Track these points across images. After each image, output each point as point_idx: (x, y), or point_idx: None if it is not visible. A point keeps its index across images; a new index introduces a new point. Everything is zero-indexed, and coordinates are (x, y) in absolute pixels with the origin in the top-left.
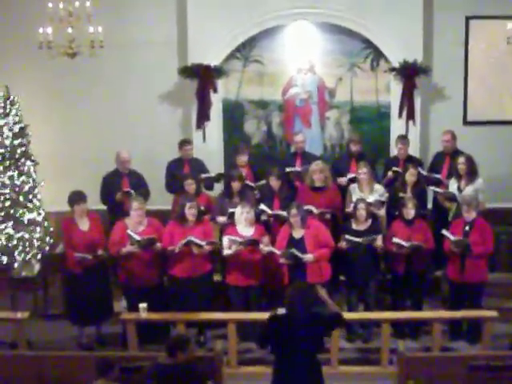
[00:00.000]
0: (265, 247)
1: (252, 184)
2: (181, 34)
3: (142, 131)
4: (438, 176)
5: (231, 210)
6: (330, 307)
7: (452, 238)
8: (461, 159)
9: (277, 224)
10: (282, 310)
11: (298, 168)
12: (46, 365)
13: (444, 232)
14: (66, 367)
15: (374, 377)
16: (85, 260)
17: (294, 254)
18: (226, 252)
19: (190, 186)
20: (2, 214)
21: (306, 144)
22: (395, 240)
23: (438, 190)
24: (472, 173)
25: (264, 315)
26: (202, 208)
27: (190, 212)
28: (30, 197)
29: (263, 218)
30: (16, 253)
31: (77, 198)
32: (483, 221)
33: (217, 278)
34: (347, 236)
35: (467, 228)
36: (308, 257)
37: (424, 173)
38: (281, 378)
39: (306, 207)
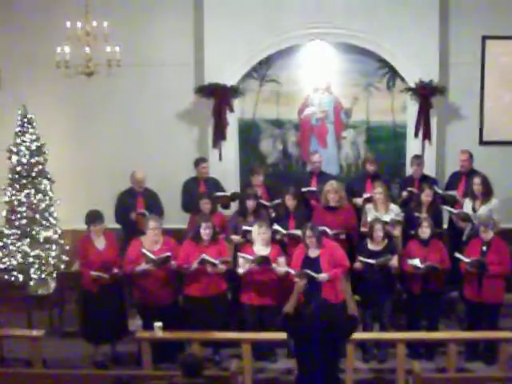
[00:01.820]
0: (280, 267)
1: (267, 203)
2: (197, 54)
3: (158, 150)
4: (453, 192)
5: (245, 228)
6: (349, 305)
7: (466, 259)
8: (476, 180)
9: (292, 243)
10: None
11: (313, 188)
12: (61, 383)
13: (457, 255)
14: None
15: None
16: (101, 279)
17: (309, 274)
18: (240, 270)
19: (205, 205)
20: (19, 231)
21: (322, 164)
22: (410, 262)
23: (452, 210)
24: (487, 193)
25: (279, 335)
26: (218, 228)
27: (205, 232)
28: (47, 215)
29: (277, 237)
30: (32, 271)
31: (94, 218)
32: (500, 241)
33: (229, 296)
34: (361, 257)
35: (484, 248)
36: (322, 276)
37: (440, 191)
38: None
39: (320, 228)
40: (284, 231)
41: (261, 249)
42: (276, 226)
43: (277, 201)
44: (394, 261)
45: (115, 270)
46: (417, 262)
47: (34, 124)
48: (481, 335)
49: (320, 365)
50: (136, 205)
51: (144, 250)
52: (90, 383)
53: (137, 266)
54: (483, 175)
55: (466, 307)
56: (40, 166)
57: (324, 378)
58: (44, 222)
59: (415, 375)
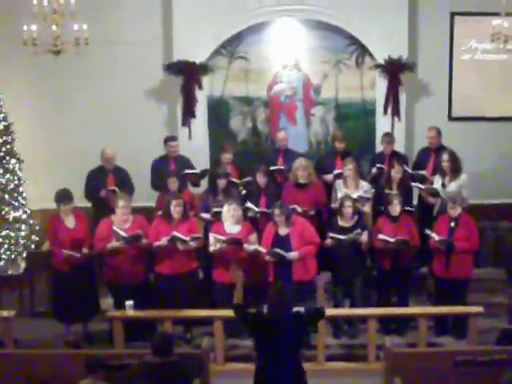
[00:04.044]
0: (250, 245)
1: (237, 181)
2: (166, 31)
3: (127, 128)
4: (423, 172)
5: (215, 207)
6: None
7: (436, 237)
8: (444, 156)
9: (264, 220)
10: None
11: (280, 166)
12: (34, 363)
13: (427, 231)
14: (53, 365)
15: (361, 373)
16: (72, 257)
17: (279, 253)
18: (212, 249)
19: (173, 183)
20: None
21: (288, 141)
22: (381, 236)
23: (420, 186)
24: (456, 169)
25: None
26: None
27: (176, 209)
28: (15, 195)
29: (249, 214)
30: (1, 251)
31: (63, 196)
32: (468, 217)
33: (200, 274)
34: (331, 233)
35: (452, 224)
36: (293, 254)
37: (409, 170)
38: (264, 376)
39: (290, 206)
40: (256, 209)
41: (231, 227)
42: (248, 204)
43: (247, 178)
44: (364, 236)
45: (85, 250)
46: (387, 236)
47: (1, 103)
48: (450, 310)
49: (284, 354)
50: (106, 182)
51: (115, 228)
52: (62, 363)
53: (107, 244)
54: (451, 151)
55: (435, 283)
56: (8, 146)
57: (289, 367)
58: (13, 202)
59: (386, 350)
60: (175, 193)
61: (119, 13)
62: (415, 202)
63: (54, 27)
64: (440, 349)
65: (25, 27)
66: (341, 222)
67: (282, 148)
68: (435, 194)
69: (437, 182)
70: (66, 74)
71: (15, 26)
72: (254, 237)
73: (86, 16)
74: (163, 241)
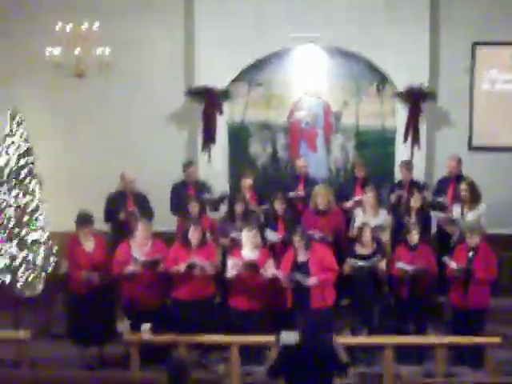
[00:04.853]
0: (269, 271)
1: (254, 207)
2: (188, 56)
3: (147, 152)
4: (442, 199)
5: (233, 233)
6: (341, 356)
7: (453, 265)
8: (463, 185)
9: (282, 247)
10: (286, 336)
11: (300, 192)
12: None
13: (445, 259)
14: None
15: None
16: (90, 280)
17: (298, 278)
18: (229, 274)
19: (194, 208)
20: (6, 233)
21: (308, 168)
22: (399, 265)
23: (439, 214)
24: (475, 198)
25: (266, 338)
26: (207, 231)
27: (194, 235)
28: (34, 216)
29: (269, 242)
30: (19, 272)
31: (84, 219)
32: (487, 246)
33: (217, 300)
34: (351, 259)
35: (471, 253)
36: (311, 281)
37: (429, 198)
38: None
39: (309, 232)
40: (277, 239)
41: (249, 253)
42: (269, 234)
43: (265, 205)
44: (383, 264)
45: (104, 273)
46: (405, 265)
47: (23, 125)
48: (468, 340)
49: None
50: (126, 206)
51: (133, 253)
52: None
53: (125, 268)
54: (470, 180)
55: (452, 312)
56: (28, 168)
57: None
58: (32, 224)
59: (402, 380)
60: (195, 219)
61: (142, 38)
62: (434, 230)
63: (77, 51)
64: (457, 379)
65: (48, 50)
66: (359, 250)
67: (303, 175)
68: (453, 223)
69: (456, 211)
70: (87, 97)
71: (39, 49)
72: (271, 263)
73: (108, 40)
74: (181, 266)
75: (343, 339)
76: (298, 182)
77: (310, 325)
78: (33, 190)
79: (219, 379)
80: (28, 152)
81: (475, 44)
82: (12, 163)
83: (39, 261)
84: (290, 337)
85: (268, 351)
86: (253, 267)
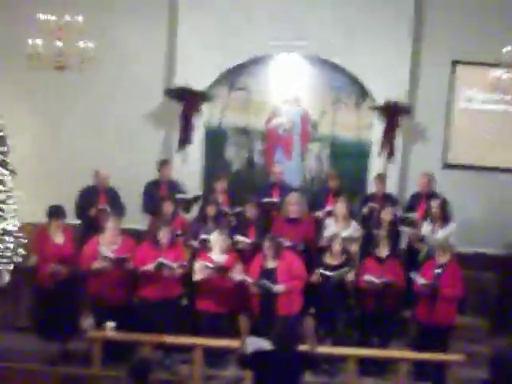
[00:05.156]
0: (237, 275)
1: (227, 210)
2: (169, 56)
3: (123, 149)
4: (413, 215)
5: (204, 235)
6: (311, 344)
7: (420, 281)
8: (434, 203)
9: (252, 252)
10: (252, 342)
11: (274, 199)
12: (9, 377)
13: (412, 275)
14: (29, 381)
15: None
16: (58, 273)
17: (265, 285)
18: (197, 277)
19: (168, 207)
20: None
21: (283, 175)
22: (367, 277)
23: (408, 230)
24: (445, 216)
25: (231, 342)
26: (178, 231)
27: (165, 235)
28: (4, 206)
29: (239, 246)
30: None
31: (57, 212)
32: (455, 264)
33: (184, 302)
34: (320, 269)
35: (439, 270)
36: (278, 288)
37: (400, 213)
38: None
39: (279, 239)
40: (248, 241)
41: (217, 256)
42: (239, 237)
43: (238, 209)
44: (351, 275)
45: (72, 266)
46: (373, 278)
47: None
48: (431, 356)
49: None
50: (98, 202)
51: (102, 248)
52: (38, 379)
53: (93, 264)
54: (442, 199)
55: (417, 328)
56: (0, 157)
57: None
58: (1, 214)
59: None
60: (167, 219)
61: (124, 34)
62: (403, 245)
63: (58, 43)
64: None
65: (30, 41)
66: (328, 260)
67: (278, 181)
68: (422, 239)
69: (426, 228)
70: (65, 90)
71: (19, 40)
72: (240, 267)
73: (90, 34)
74: (150, 266)
75: (306, 348)
76: (273, 189)
77: (282, 332)
78: (4, 180)
79: (181, 381)
80: (1, 141)
81: (455, 62)
82: None
83: (7, 252)
84: (256, 343)
85: (232, 355)
86: (223, 270)
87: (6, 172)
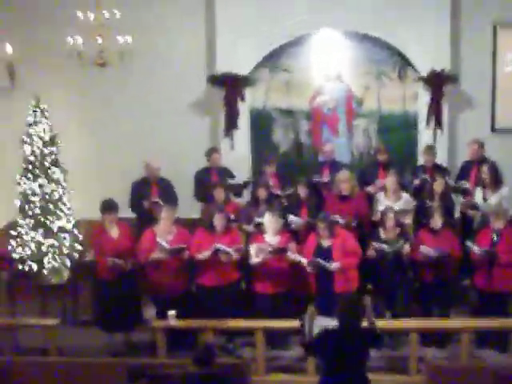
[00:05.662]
0: (291, 255)
1: (279, 192)
2: (209, 43)
3: (170, 139)
4: (465, 184)
5: (257, 218)
6: (371, 321)
7: (476, 249)
8: (484, 168)
9: (305, 232)
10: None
11: (324, 178)
12: (77, 371)
13: (468, 244)
14: (95, 374)
15: None
16: (116, 266)
17: (321, 263)
18: (254, 260)
19: (219, 194)
20: (32, 221)
21: (333, 153)
22: (422, 249)
23: (461, 199)
24: (496, 181)
25: (291, 323)
26: (232, 216)
27: (219, 221)
28: (60, 205)
29: (293, 226)
30: (46, 260)
31: (108, 207)
32: (511, 229)
33: (243, 286)
34: (375, 243)
35: (495, 237)
36: (334, 265)
37: (451, 182)
38: None
39: (332, 217)
40: (301, 221)
41: (272, 237)
42: (292, 218)
43: (289, 191)
44: (407, 248)
45: (130, 259)
46: (429, 249)
47: (47, 114)
48: (492, 324)
49: (352, 367)
50: (150, 194)
51: (158, 240)
52: (105, 371)
53: (150, 255)
54: (492, 163)
55: (477, 296)
56: (53, 156)
57: (356, 379)
58: (57, 212)
59: (427, 363)
60: (219, 205)
61: (163, 26)
62: (457, 214)
63: (99, 40)
64: (482, 363)
65: (70, 39)
66: (383, 234)
67: (328, 160)
68: (474, 207)
69: (478, 195)
70: (110, 85)
71: (60, 39)
72: (293, 247)
73: (130, 29)
74: (206, 253)
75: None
76: (323, 167)
77: (345, 309)
78: (58, 178)
79: (245, 364)
80: (52, 141)
81: (496, 26)
82: (37, 152)
83: (65, 248)
84: (316, 321)
85: (293, 336)
86: (278, 252)
87: (59, 171)
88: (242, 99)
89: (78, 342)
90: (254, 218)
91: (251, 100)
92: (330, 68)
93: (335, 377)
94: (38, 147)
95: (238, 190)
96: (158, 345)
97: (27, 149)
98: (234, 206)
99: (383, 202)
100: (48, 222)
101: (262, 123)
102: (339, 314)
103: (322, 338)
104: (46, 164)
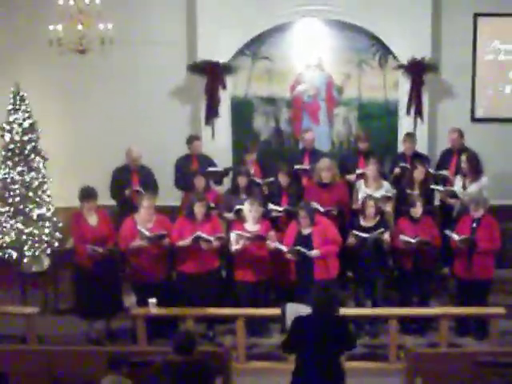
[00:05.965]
0: (271, 243)
1: (259, 180)
2: (190, 31)
3: (151, 127)
4: (445, 173)
5: (238, 206)
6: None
7: (456, 237)
8: (464, 157)
9: (285, 220)
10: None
11: (306, 165)
12: (56, 359)
13: (447, 232)
14: (75, 362)
15: (382, 373)
16: (96, 253)
17: (301, 251)
18: (234, 248)
19: (199, 182)
20: (12, 209)
21: (314, 141)
22: (402, 237)
23: (439, 187)
24: (476, 170)
25: (272, 311)
26: (212, 204)
27: (199, 209)
28: (40, 192)
29: (273, 214)
30: (25, 248)
31: (87, 194)
32: (491, 218)
33: (223, 273)
34: (355, 231)
35: (474, 225)
36: (314, 252)
37: (431, 171)
38: (304, 377)
39: (313, 205)
40: (280, 209)
41: (251, 226)
42: (271, 206)
43: (269, 179)
44: (387, 236)
45: (109, 246)
46: (408, 238)
47: (27, 102)
48: (472, 311)
49: (325, 355)
50: (131, 181)
51: (139, 227)
52: (85, 359)
53: (131, 243)
54: (471, 153)
55: (456, 284)
56: (33, 144)
57: (332, 368)
58: (37, 200)
59: (407, 350)
60: (199, 193)
61: (143, 13)
62: (437, 203)
63: (79, 27)
64: (461, 350)
65: (51, 27)
66: (363, 222)
67: (309, 148)
68: (453, 195)
69: (457, 184)
70: (90, 73)
71: (41, 26)
72: (273, 235)
73: (111, 16)
74: (187, 241)
75: (348, 311)
76: (304, 155)
77: (320, 296)
78: (37, 166)
79: (225, 352)
80: (32, 128)
81: (477, 15)
82: (16, 139)
83: (45, 236)
84: (296, 309)
85: (273, 323)
86: (258, 239)
87: (38, 158)
88: (224, 87)
89: (57, 330)
90: (235, 206)
91: (232, 88)
92: (310, 56)
93: (309, 371)
94: (18, 133)
95: (218, 178)
96: (139, 332)
97: (7, 136)
98: (214, 194)
99: (364, 190)
100: (28, 210)
101: (243, 111)
102: (313, 303)
103: (296, 325)
104: (26, 152)
